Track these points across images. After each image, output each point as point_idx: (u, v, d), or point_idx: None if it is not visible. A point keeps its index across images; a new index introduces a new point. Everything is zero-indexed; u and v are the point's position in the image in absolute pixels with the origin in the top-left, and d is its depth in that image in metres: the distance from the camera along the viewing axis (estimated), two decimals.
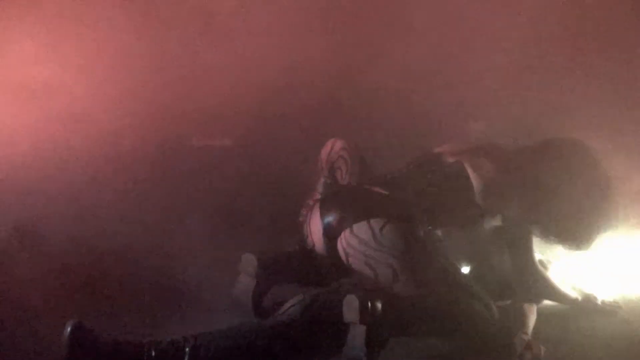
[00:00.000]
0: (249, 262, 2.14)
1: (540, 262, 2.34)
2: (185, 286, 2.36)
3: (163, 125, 3.35)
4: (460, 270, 2.03)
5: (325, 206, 2.19)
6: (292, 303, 1.92)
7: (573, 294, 2.34)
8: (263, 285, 2.14)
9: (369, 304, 1.76)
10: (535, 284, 2.25)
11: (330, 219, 2.13)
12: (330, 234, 2.11)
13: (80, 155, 3.05)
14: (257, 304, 2.12)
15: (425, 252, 2.03)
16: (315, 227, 2.17)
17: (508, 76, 3.31)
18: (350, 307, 1.77)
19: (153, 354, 1.61)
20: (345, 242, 2.05)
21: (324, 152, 2.48)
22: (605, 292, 2.43)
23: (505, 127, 3.30)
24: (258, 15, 3.40)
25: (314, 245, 2.18)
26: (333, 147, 2.45)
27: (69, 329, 1.52)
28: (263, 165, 3.41)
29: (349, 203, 2.13)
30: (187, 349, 1.65)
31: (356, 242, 2.03)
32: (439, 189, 2.18)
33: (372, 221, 2.03)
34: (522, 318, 2.09)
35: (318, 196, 2.37)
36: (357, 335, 1.72)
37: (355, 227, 2.04)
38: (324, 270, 2.16)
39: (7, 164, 2.88)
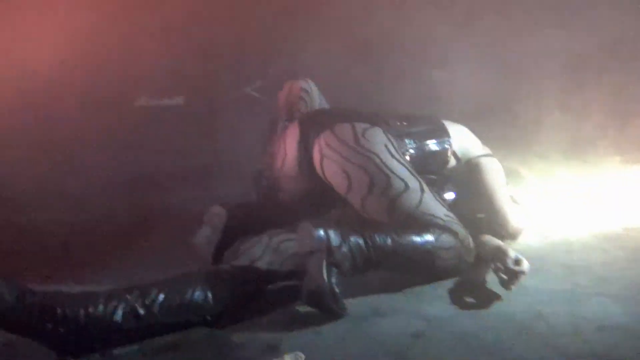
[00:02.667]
0: (216, 215, 1.96)
1: (513, 192, 2.24)
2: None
3: (110, 85, 3.19)
4: (437, 195, 1.87)
5: (305, 117, 2.06)
6: (249, 245, 1.77)
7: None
8: (228, 239, 1.96)
9: (323, 230, 1.61)
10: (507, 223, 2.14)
11: (311, 123, 1.97)
12: (309, 139, 1.94)
13: (23, 121, 2.90)
14: (217, 257, 1.95)
15: (404, 167, 1.87)
16: (290, 138, 2.01)
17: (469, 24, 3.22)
18: (305, 235, 1.62)
19: (94, 308, 1.43)
20: (323, 142, 1.89)
21: (282, 95, 2.34)
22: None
23: (469, 75, 3.23)
24: None
25: (284, 161, 2.01)
26: (291, 88, 2.31)
27: None
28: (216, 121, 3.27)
29: (330, 111, 2.02)
30: (128, 297, 1.47)
31: (335, 142, 1.87)
32: (418, 125, 2.09)
33: (355, 124, 1.90)
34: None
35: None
36: (315, 263, 1.57)
37: (337, 127, 1.90)
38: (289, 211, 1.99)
39: None
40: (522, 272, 1.74)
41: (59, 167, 2.92)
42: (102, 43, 3.16)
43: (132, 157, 3.07)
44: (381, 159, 1.83)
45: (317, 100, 2.31)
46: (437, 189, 1.95)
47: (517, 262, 1.75)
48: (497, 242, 1.96)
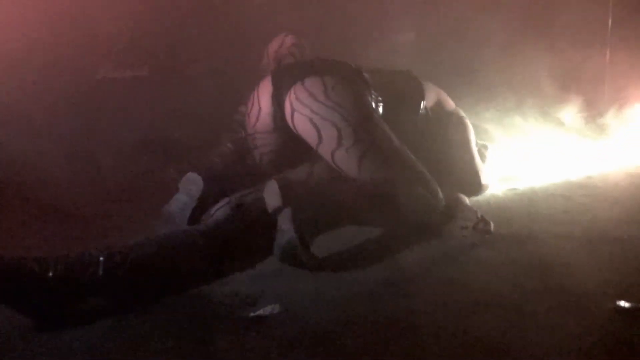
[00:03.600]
0: (193, 182, 1.93)
1: (481, 147, 2.28)
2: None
3: (70, 58, 3.09)
4: (407, 150, 1.88)
5: (278, 70, 2.06)
6: (219, 206, 1.76)
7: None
8: (203, 205, 1.93)
9: (290, 186, 1.63)
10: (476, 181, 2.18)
11: (283, 77, 1.97)
12: (281, 92, 1.94)
13: None
14: (192, 222, 1.94)
15: (373, 121, 1.88)
16: (263, 92, 2.00)
17: None
18: (271, 191, 1.64)
19: (60, 267, 1.41)
20: (293, 95, 1.89)
21: (273, 47, 2.34)
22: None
23: (434, 38, 3.25)
24: None
25: (259, 115, 2.00)
26: (283, 42, 2.29)
27: None
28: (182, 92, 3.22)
29: (303, 64, 2.02)
30: (101, 259, 1.45)
31: (305, 96, 1.87)
32: (391, 80, 2.10)
33: (325, 77, 1.90)
34: (462, 202, 2.00)
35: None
36: (284, 219, 1.58)
37: (307, 80, 1.90)
38: (265, 171, 2.00)
39: None
40: (488, 232, 1.79)
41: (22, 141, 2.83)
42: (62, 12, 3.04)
43: (96, 128, 2.99)
44: (350, 113, 1.84)
45: (308, 57, 2.30)
46: (407, 140, 1.95)
47: (484, 222, 1.80)
48: (465, 200, 2.01)
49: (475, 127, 2.36)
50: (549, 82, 3.07)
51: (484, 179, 2.20)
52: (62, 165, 2.66)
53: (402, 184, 1.77)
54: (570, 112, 3.02)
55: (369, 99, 1.96)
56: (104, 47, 3.23)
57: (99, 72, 3.31)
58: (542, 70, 3.09)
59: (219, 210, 1.74)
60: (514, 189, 2.34)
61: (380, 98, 1.98)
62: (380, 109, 2.00)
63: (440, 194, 1.86)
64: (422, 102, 2.13)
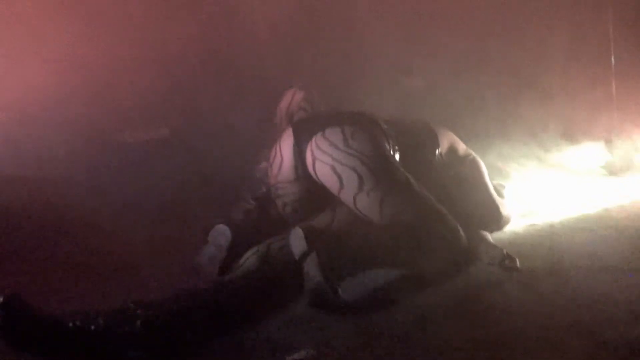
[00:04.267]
0: (221, 234, 2.00)
1: (497, 186, 2.33)
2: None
3: (92, 120, 3.22)
4: (426, 192, 1.94)
5: (298, 122, 2.15)
6: (247, 256, 1.82)
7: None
8: (232, 255, 1.99)
9: (314, 232, 1.69)
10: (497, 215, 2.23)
11: (304, 128, 2.06)
12: (302, 142, 2.02)
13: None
14: (222, 274, 1.97)
15: (392, 165, 1.96)
16: (285, 143, 2.08)
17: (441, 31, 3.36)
18: (296, 238, 1.70)
19: (101, 322, 1.46)
20: (314, 145, 1.98)
21: (284, 104, 2.41)
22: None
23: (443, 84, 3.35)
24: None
25: (281, 166, 2.07)
26: (293, 98, 2.38)
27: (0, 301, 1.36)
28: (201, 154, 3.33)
29: (322, 115, 2.12)
30: (138, 312, 1.51)
31: (326, 145, 1.96)
32: (406, 129, 2.18)
33: (344, 127, 1.99)
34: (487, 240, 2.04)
35: None
36: (310, 264, 1.64)
37: (328, 130, 1.99)
38: (288, 219, 2.06)
39: None
40: (515, 268, 1.83)
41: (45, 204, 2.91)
42: (85, 77, 3.19)
43: (121, 190, 3.08)
44: (370, 159, 1.92)
45: (320, 109, 2.39)
46: (425, 185, 2.01)
47: (510, 259, 1.85)
48: (489, 239, 2.05)
49: (490, 165, 2.43)
50: (559, 118, 3.14)
51: (503, 212, 2.25)
52: (87, 222, 2.74)
53: (423, 225, 1.82)
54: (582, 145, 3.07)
55: (387, 145, 2.03)
56: (123, 110, 3.37)
57: (118, 134, 3.45)
58: (553, 106, 3.17)
59: (248, 260, 1.80)
60: (534, 224, 2.36)
61: (396, 147, 2.06)
62: (397, 157, 2.07)
63: (462, 233, 1.90)
64: (436, 147, 2.21)
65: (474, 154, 2.36)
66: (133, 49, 3.28)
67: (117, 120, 3.34)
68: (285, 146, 2.07)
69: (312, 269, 1.62)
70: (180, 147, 3.42)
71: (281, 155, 2.09)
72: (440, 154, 2.24)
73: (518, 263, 1.84)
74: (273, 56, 3.29)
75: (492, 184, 2.35)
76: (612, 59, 3.61)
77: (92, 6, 3.24)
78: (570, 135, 3.09)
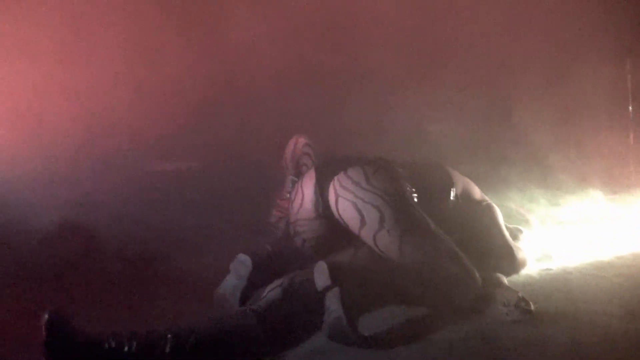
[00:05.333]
0: (242, 264, 2.10)
1: (513, 230, 2.39)
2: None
3: (121, 149, 3.36)
4: (443, 233, 2.02)
5: (321, 163, 2.25)
6: (271, 288, 1.91)
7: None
8: (253, 287, 2.09)
9: (338, 267, 1.77)
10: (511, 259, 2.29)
11: (326, 169, 2.15)
12: (324, 181, 2.11)
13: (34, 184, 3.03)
14: (242, 303, 2.06)
15: (411, 205, 2.04)
16: (307, 182, 2.16)
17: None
18: (320, 272, 1.78)
19: (134, 344, 1.56)
20: (337, 183, 2.07)
21: (288, 151, 2.50)
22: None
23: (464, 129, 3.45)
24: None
25: (302, 204, 2.16)
26: (296, 144, 2.48)
27: (45, 318, 1.46)
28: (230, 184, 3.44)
29: (343, 157, 2.20)
30: (169, 337, 1.60)
31: (349, 183, 2.05)
32: (421, 172, 2.27)
33: (366, 167, 2.08)
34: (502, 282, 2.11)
35: (287, 195, 2.37)
36: (332, 298, 1.71)
37: (350, 170, 2.08)
38: (307, 255, 2.14)
39: None
40: (529, 311, 1.88)
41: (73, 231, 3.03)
42: (114, 106, 3.34)
43: (146, 218, 3.19)
44: (391, 197, 2.01)
45: (320, 154, 2.49)
46: (441, 226, 2.09)
47: (524, 302, 1.90)
48: (504, 281, 2.12)
49: (508, 210, 2.50)
50: (576, 164, 3.21)
51: (518, 255, 2.31)
52: (117, 249, 2.85)
53: (440, 265, 1.89)
54: (597, 193, 3.13)
55: (406, 186, 2.12)
56: (154, 141, 3.51)
57: (149, 164, 3.59)
58: (569, 152, 3.24)
59: (271, 292, 1.88)
60: (548, 269, 2.42)
61: (413, 189, 2.15)
62: (415, 199, 2.15)
63: (477, 275, 1.97)
64: (452, 190, 2.28)
65: (488, 199, 2.43)
66: (166, 85, 3.45)
67: (147, 150, 3.49)
68: (308, 185, 2.16)
69: (333, 303, 1.70)
70: (205, 179, 3.55)
71: (303, 194, 2.18)
72: (456, 195, 2.31)
73: (532, 306, 1.90)
74: (285, 102, 3.42)
75: (509, 227, 2.42)
76: (630, 108, 3.71)
77: (128, 41, 3.41)
78: (586, 182, 3.15)
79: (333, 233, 2.14)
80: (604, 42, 3.41)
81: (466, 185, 2.39)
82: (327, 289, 1.75)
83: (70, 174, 3.18)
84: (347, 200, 2.03)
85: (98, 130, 3.26)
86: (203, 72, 3.52)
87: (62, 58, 3.27)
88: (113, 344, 1.53)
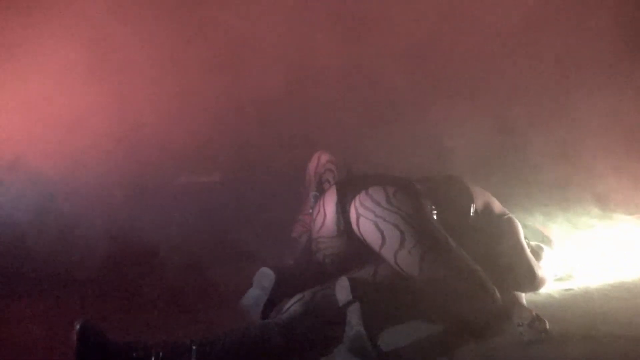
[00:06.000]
0: (265, 276, 2.13)
1: (535, 247, 2.41)
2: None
3: (149, 162, 3.44)
4: (463, 252, 2.04)
5: (342, 181, 2.28)
6: (293, 301, 1.95)
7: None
8: (275, 300, 2.12)
9: (359, 283, 1.80)
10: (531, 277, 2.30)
11: (347, 187, 2.19)
12: (345, 200, 2.15)
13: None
14: (265, 317, 2.10)
15: (431, 224, 2.07)
16: (329, 200, 2.20)
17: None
18: (342, 288, 1.82)
19: (161, 354, 1.62)
20: (358, 202, 2.10)
21: (312, 167, 2.55)
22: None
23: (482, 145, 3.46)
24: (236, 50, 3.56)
25: (324, 222, 2.20)
26: (320, 160, 2.53)
27: (77, 327, 1.53)
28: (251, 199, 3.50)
29: (363, 176, 2.25)
30: (194, 348, 1.65)
31: (369, 202, 2.08)
32: (440, 187, 2.29)
33: (386, 187, 2.12)
34: (519, 301, 2.12)
35: (309, 211, 2.42)
36: (353, 313, 1.75)
37: (371, 189, 2.12)
38: (328, 270, 2.18)
39: None
40: (544, 330, 1.89)
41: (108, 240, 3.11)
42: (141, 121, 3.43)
43: (172, 230, 3.27)
44: (411, 217, 2.04)
45: (343, 171, 2.54)
46: (461, 242, 2.10)
47: (539, 321, 1.91)
48: (521, 299, 2.13)
49: (528, 227, 2.51)
50: (596, 183, 3.20)
51: (539, 273, 2.31)
52: (145, 260, 2.93)
53: (460, 284, 1.92)
54: (617, 213, 3.12)
55: (426, 205, 2.16)
56: (180, 155, 3.59)
57: (176, 177, 3.67)
58: (593, 174, 3.23)
59: (294, 306, 1.92)
60: (570, 289, 2.43)
61: (433, 206, 2.17)
62: (435, 216, 2.18)
63: (497, 294, 1.99)
64: (472, 206, 2.30)
65: (509, 214, 2.44)
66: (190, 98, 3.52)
67: (174, 163, 3.56)
68: (329, 203, 2.20)
69: (354, 318, 1.74)
70: (230, 192, 3.61)
71: (324, 212, 2.22)
72: (476, 211, 2.31)
73: (548, 325, 1.90)
74: (308, 115, 3.47)
75: (531, 244, 2.42)
76: None
77: (151, 52, 3.50)
78: (606, 202, 3.14)
79: (354, 250, 2.18)
80: (626, 59, 3.40)
81: (486, 200, 2.40)
82: (349, 304, 1.79)
83: (99, 184, 3.28)
84: (368, 219, 2.07)
85: (126, 143, 3.34)
86: (225, 84, 3.58)
87: (91, 71, 3.36)
88: (141, 354, 1.59)
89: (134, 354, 1.59)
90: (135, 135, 3.32)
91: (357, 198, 2.13)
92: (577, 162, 3.19)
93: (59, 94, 3.25)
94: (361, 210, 2.10)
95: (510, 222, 2.38)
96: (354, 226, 2.12)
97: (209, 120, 3.55)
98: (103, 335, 1.58)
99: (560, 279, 2.51)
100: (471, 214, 2.30)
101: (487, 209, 2.35)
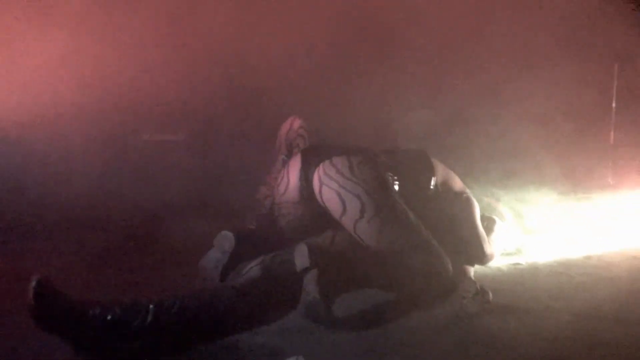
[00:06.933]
0: (226, 239, 2.16)
1: (488, 221, 2.49)
2: None
3: (113, 120, 3.40)
4: (421, 224, 2.11)
5: (307, 149, 2.30)
6: (252, 265, 1.98)
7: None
8: (234, 261, 2.15)
9: (317, 250, 1.85)
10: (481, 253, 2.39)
11: (312, 155, 2.22)
12: (309, 167, 2.18)
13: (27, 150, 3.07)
14: (223, 278, 2.14)
15: (392, 197, 2.12)
16: (293, 167, 2.23)
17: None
18: (301, 254, 1.86)
19: (118, 312, 1.63)
20: (322, 171, 2.14)
21: (283, 130, 2.57)
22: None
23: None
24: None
25: (287, 187, 2.23)
26: (292, 125, 2.55)
27: (33, 284, 1.53)
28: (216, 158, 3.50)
29: (329, 145, 2.27)
30: (151, 307, 1.67)
31: (333, 171, 2.12)
32: (404, 159, 2.35)
33: (351, 156, 2.16)
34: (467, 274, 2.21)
35: (276, 174, 2.44)
36: (310, 279, 1.80)
37: (335, 158, 2.16)
38: (288, 235, 2.22)
39: None
40: (487, 303, 1.98)
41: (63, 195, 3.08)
42: (111, 77, 3.36)
43: (134, 187, 3.25)
44: (373, 189, 2.09)
45: (314, 138, 2.56)
46: (420, 215, 2.17)
47: (483, 292, 1.99)
48: (469, 273, 2.22)
49: (484, 202, 2.60)
50: (554, 164, 3.31)
51: (488, 249, 2.40)
52: (100, 219, 2.93)
53: (416, 255, 1.99)
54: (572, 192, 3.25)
55: (388, 177, 2.20)
56: (146, 112, 3.55)
57: (140, 134, 3.63)
58: (548, 152, 3.34)
59: (252, 269, 1.96)
60: (518, 264, 2.53)
61: (395, 177, 2.23)
62: (396, 187, 2.24)
63: (449, 266, 2.07)
64: (432, 179, 2.37)
65: (468, 192, 2.52)
66: (156, 55, 3.46)
67: (136, 121, 3.53)
68: (293, 170, 2.24)
69: (310, 284, 1.79)
70: (193, 151, 3.61)
71: (288, 178, 2.25)
72: (436, 185, 2.39)
73: (491, 296, 1.98)
74: (280, 86, 3.46)
75: (485, 217, 2.51)
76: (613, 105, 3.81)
77: (117, 10, 3.41)
78: (563, 181, 3.26)
79: (315, 217, 2.22)
80: (593, 45, 3.48)
81: (447, 176, 2.47)
82: (306, 270, 1.84)
83: (59, 138, 3.22)
84: (330, 188, 2.11)
85: (89, 98, 3.28)
86: (188, 41, 3.52)
87: (49, 26, 3.27)
88: (97, 311, 1.60)
89: (90, 312, 1.59)
90: (97, 91, 3.27)
91: (321, 166, 2.16)
92: (538, 142, 3.29)
93: (21, 52, 3.17)
94: (324, 179, 2.13)
95: (468, 200, 2.46)
96: (317, 194, 2.15)
97: (175, 78, 3.51)
98: (59, 292, 1.58)
99: (509, 254, 2.61)
100: (431, 187, 2.36)
101: (447, 184, 2.42)
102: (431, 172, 2.39)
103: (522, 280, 2.32)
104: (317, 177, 2.15)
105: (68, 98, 3.18)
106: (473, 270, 2.26)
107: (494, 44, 3.39)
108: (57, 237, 2.65)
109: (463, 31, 3.44)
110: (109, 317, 1.62)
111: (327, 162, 2.15)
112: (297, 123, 2.52)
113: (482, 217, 2.48)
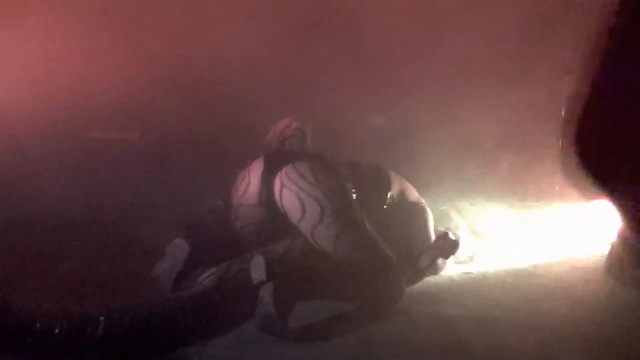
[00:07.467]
0: (179, 247, 2.12)
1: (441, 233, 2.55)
2: None
3: (63, 118, 3.30)
4: (377, 235, 2.15)
5: (270, 154, 2.33)
6: (207, 274, 1.96)
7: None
8: (187, 270, 2.11)
9: (274, 263, 1.85)
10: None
11: (275, 159, 2.24)
12: (271, 171, 2.20)
13: None
14: (176, 287, 2.10)
15: (351, 205, 2.16)
16: (255, 169, 2.24)
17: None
18: (258, 267, 1.86)
19: (66, 326, 1.58)
20: (284, 174, 2.17)
21: (281, 126, 2.61)
22: None
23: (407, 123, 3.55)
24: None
25: (247, 189, 2.23)
26: (291, 124, 2.59)
27: None
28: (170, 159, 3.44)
29: (292, 151, 2.33)
30: (101, 319, 1.63)
31: (295, 175, 2.15)
32: (362, 173, 2.40)
33: (313, 162, 2.19)
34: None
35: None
36: (265, 292, 1.79)
37: (298, 163, 2.19)
38: (244, 241, 2.20)
39: None
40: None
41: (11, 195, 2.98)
42: (63, 72, 3.26)
43: (84, 187, 3.16)
44: (334, 194, 2.12)
45: (308, 143, 2.59)
46: (376, 225, 2.20)
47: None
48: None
49: (441, 211, 2.66)
50: (507, 173, 3.39)
51: (439, 262, 2.46)
52: (53, 216, 2.82)
53: (371, 266, 2.02)
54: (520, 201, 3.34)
55: (347, 185, 2.22)
56: (97, 109, 3.45)
57: (92, 132, 3.53)
58: (499, 159, 3.42)
59: (207, 279, 1.94)
60: (469, 272, 2.59)
61: (353, 190, 2.25)
62: (354, 195, 2.26)
63: (401, 275, 2.11)
64: (389, 193, 2.42)
65: (424, 202, 2.57)
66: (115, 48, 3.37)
67: (89, 118, 3.43)
68: (255, 172, 2.25)
69: (266, 297, 1.78)
70: (147, 151, 3.53)
71: (249, 180, 2.26)
72: (392, 196, 2.46)
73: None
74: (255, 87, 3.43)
75: (437, 230, 2.56)
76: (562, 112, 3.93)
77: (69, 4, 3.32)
78: (511, 190, 3.34)
79: (272, 222, 2.23)
80: (542, 55, 3.58)
81: (403, 187, 2.54)
82: (262, 283, 1.83)
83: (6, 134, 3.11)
84: (291, 191, 2.12)
85: (39, 93, 3.17)
86: (146, 36, 3.45)
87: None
88: (46, 325, 1.55)
89: (38, 325, 1.54)
90: (48, 87, 3.17)
91: (283, 170, 2.18)
92: (488, 153, 3.36)
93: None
94: (286, 182, 2.15)
95: (423, 210, 2.54)
96: (277, 197, 2.16)
97: (129, 75, 3.43)
98: (5, 303, 1.52)
99: (462, 262, 2.67)
100: (387, 199, 2.40)
101: (402, 196, 2.49)
102: (388, 186, 2.45)
103: (472, 289, 2.37)
104: (279, 179, 2.16)
105: (20, 95, 3.07)
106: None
107: (443, 53, 3.44)
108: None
109: (414, 40, 3.47)
110: (56, 330, 1.57)
111: (289, 166, 2.18)
112: (296, 124, 2.58)
113: (436, 229, 2.54)
